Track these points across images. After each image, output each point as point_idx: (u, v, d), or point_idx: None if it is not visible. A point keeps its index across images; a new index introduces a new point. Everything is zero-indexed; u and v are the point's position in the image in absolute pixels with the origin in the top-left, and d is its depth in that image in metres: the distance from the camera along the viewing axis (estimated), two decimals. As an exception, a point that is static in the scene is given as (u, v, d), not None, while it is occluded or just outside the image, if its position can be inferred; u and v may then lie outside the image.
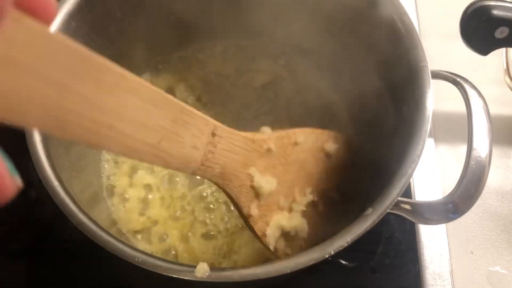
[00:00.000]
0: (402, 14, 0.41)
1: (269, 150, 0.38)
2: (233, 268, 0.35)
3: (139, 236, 0.49)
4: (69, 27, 0.43)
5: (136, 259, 0.33)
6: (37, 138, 0.37)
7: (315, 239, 0.39)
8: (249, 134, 0.36)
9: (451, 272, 0.51)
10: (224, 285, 0.34)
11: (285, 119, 0.55)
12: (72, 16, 0.43)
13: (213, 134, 0.32)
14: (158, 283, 0.37)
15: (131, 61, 0.54)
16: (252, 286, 0.37)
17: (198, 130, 0.31)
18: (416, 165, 0.36)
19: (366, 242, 0.52)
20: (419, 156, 0.37)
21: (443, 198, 0.38)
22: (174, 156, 0.29)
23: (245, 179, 0.37)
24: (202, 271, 0.32)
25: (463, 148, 0.56)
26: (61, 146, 0.41)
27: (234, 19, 0.55)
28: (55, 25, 0.42)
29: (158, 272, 0.32)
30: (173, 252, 0.48)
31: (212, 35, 0.58)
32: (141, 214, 0.50)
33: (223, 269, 0.33)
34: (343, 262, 0.52)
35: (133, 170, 0.52)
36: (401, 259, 0.52)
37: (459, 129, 0.55)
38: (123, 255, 0.33)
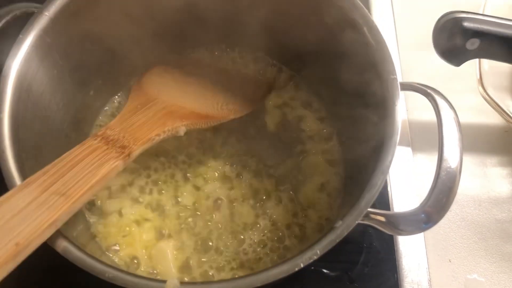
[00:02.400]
0: (372, 28, 0.42)
1: None
2: (204, 282, 0.35)
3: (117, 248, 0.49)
4: (43, 43, 0.43)
5: (107, 274, 0.33)
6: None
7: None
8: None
9: (430, 280, 0.51)
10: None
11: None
12: (47, 31, 0.43)
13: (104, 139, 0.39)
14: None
15: (109, 75, 0.55)
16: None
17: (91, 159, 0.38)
18: (385, 177, 0.37)
19: (347, 251, 0.53)
20: (388, 168, 0.37)
21: (415, 208, 0.39)
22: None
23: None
24: (171, 286, 0.33)
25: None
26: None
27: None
28: (29, 38, 0.42)
29: (129, 288, 0.33)
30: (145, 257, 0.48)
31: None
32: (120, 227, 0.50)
33: (194, 283, 0.34)
34: (325, 271, 0.52)
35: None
36: (380, 268, 0.52)
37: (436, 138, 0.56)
38: (93, 271, 0.33)
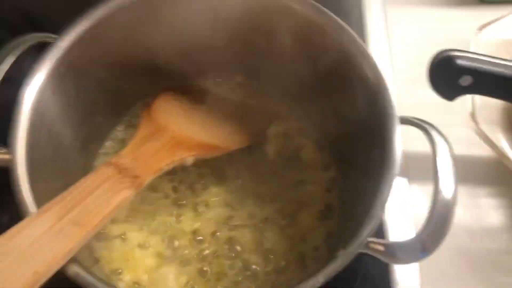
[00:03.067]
0: (371, 64, 0.44)
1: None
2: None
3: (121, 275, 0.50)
4: (57, 73, 0.45)
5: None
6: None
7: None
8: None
9: (424, 309, 0.52)
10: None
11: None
12: (61, 62, 0.45)
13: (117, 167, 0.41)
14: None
15: (117, 101, 0.57)
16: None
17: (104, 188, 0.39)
18: (384, 208, 0.39)
19: (342, 278, 0.54)
20: (386, 199, 0.39)
21: (412, 238, 0.40)
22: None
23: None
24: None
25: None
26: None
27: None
28: (44, 70, 0.44)
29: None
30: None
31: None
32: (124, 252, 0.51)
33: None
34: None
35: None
36: (375, 296, 0.53)
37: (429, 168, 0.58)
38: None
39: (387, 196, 0.39)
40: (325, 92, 0.53)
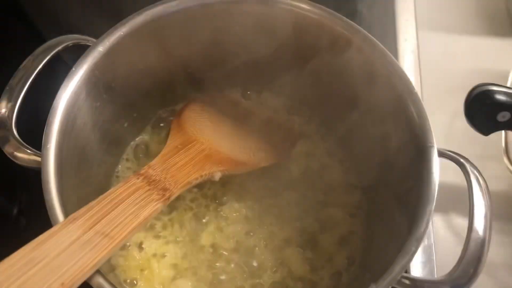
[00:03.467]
0: (416, 100, 0.43)
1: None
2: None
3: (135, 283, 0.49)
4: (93, 77, 0.44)
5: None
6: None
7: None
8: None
9: None
10: None
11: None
12: (97, 66, 0.44)
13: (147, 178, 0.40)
14: None
15: (143, 108, 0.56)
16: None
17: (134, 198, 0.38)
18: (419, 244, 0.38)
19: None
20: (423, 235, 0.38)
21: (443, 277, 0.39)
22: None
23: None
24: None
25: (458, 220, 0.58)
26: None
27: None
28: (81, 72, 0.43)
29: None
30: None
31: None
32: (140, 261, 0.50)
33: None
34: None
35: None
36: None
37: (453, 200, 0.57)
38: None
39: (424, 231, 0.38)
40: (358, 114, 0.52)
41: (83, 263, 0.33)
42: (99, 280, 0.35)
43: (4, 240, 0.53)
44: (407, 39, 0.70)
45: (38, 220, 0.54)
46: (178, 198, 0.53)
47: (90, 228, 0.35)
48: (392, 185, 0.47)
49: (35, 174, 0.48)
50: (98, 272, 0.35)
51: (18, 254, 0.32)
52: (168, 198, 0.40)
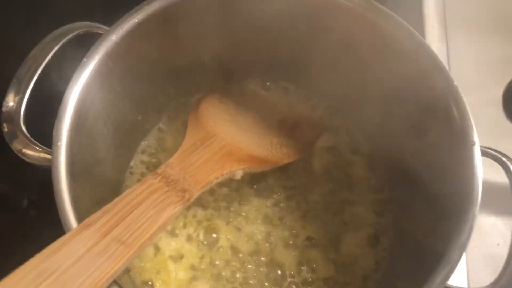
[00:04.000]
0: (460, 105, 0.40)
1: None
2: None
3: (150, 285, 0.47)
4: (105, 67, 0.41)
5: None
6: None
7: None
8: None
9: None
10: None
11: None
12: (110, 55, 0.41)
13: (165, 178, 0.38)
14: None
15: (157, 100, 0.53)
16: None
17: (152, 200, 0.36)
18: (463, 252, 0.35)
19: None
20: (466, 242, 0.35)
21: (488, 286, 0.36)
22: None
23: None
24: None
25: (498, 219, 0.55)
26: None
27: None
28: (93, 63, 0.40)
29: None
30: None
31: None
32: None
33: None
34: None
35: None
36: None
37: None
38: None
39: (467, 238, 0.35)
40: (386, 104, 0.49)
41: (100, 274, 0.30)
42: (115, 289, 0.32)
43: (15, 233, 0.53)
44: (434, 25, 0.66)
45: (48, 212, 0.53)
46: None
47: (106, 235, 0.32)
48: (425, 184, 0.44)
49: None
50: (115, 283, 0.32)
51: (30, 265, 0.29)
52: (188, 199, 0.37)
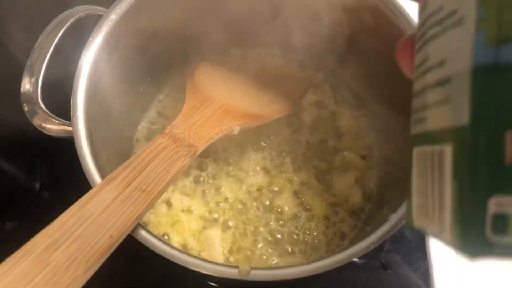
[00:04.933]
0: None
1: None
2: (271, 268, 0.38)
3: (169, 239, 0.53)
4: (108, 45, 0.46)
5: (184, 260, 0.37)
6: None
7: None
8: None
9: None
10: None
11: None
12: (111, 34, 0.46)
13: (172, 137, 0.42)
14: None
15: (156, 72, 0.58)
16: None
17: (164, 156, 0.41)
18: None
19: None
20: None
21: None
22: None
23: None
24: (244, 271, 0.36)
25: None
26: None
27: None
28: (97, 43, 0.45)
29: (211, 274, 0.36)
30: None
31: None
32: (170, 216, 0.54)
33: (263, 269, 0.37)
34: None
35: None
36: (412, 257, 0.56)
37: None
38: (174, 258, 0.37)
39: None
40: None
41: (127, 217, 0.36)
42: (142, 232, 0.38)
43: (31, 214, 0.57)
44: None
45: (61, 192, 0.58)
46: (199, 156, 0.56)
47: (128, 185, 0.37)
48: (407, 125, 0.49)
49: (54, 148, 0.50)
50: (139, 225, 0.38)
51: (67, 214, 0.35)
52: (194, 153, 0.43)
